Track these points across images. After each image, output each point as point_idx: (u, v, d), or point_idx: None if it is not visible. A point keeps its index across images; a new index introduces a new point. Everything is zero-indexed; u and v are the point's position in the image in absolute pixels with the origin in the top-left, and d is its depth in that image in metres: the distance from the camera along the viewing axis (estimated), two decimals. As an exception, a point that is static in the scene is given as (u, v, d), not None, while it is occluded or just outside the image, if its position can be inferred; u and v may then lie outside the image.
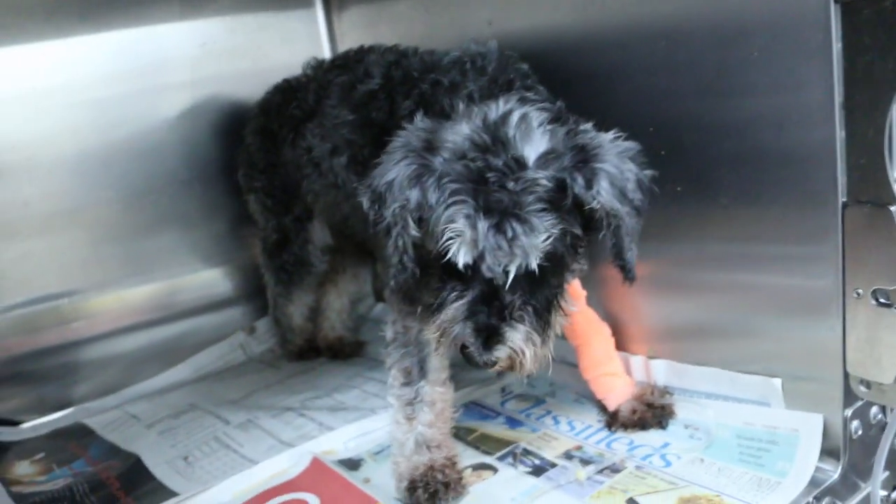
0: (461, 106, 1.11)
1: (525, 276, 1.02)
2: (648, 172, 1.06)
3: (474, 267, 1.01)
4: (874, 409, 1.14)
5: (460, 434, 1.36)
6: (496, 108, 1.05)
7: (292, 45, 1.96)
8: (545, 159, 1.01)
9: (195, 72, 1.85)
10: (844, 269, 1.06)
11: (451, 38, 1.56)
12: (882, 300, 1.03)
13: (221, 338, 1.95)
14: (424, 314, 1.11)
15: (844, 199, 1.04)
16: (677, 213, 1.25)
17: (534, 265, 1.00)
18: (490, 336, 1.02)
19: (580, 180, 1.01)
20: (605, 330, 1.36)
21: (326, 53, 1.99)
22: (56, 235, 1.73)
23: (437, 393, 1.26)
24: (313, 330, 1.90)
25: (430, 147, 1.04)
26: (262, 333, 1.98)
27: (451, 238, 1.00)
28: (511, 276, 1.00)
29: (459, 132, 1.04)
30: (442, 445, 1.25)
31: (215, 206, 1.92)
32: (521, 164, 1.00)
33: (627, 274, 1.08)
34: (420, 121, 1.09)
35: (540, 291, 1.06)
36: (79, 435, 1.63)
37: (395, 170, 1.04)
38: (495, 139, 1.01)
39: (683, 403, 1.31)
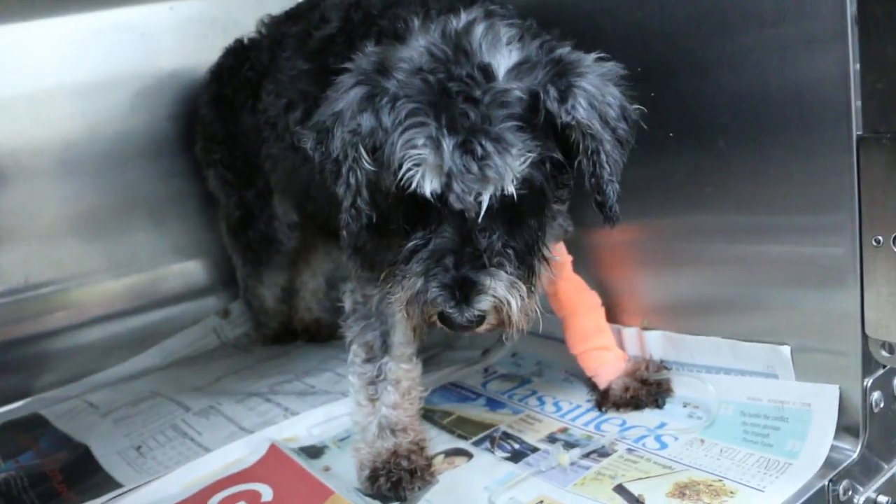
0: (415, 22, 0.96)
1: (501, 210, 0.88)
2: (636, 106, 0.93)
3: (441, 200, 0.86)
4: (898, 378, 0.99)
5: (435, 417, 1.24)
6: (456, 21, 0.91)
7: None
8: (517, 70, 0.88)
9: (162, 42, 1.73)
10: (861, 215, 0.92)
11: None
12: (906, 247, 0.89)
13: (192, 320, 1.83)
14: (386, 277, 0.96)
15: (860, 133, 0.90)
16: (670, 164, 1.11)
17: (510, 189, 0.86)
18: (467, 288, 0.88)
19: (553, 93, 0.87)
20: (595, 299, 1.22)
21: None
22: (33, 226, 1.63)
23: (403, 370, 1.12)
24: (288, 312, 1.77)
25: (383, 69, 0.90)
26: (236, 317, 1.85)
27: (411, 167, 0.85)
28: (484, 206, 0.86)
29: (415, 47, 0.90)
30: (408, 429, 1.12)
31: (181, 186, 1.79)
32: (488, 74, 0.86)
33: (608, 213, 0.94)
34: (366, 51, 0.95)
35: (519, 232, 0.92)
36: (31, 426, 1.52)
37: (343, 98, 0.91)
38: (457, 49, 0.88)
39: (681, 379, 1.17)
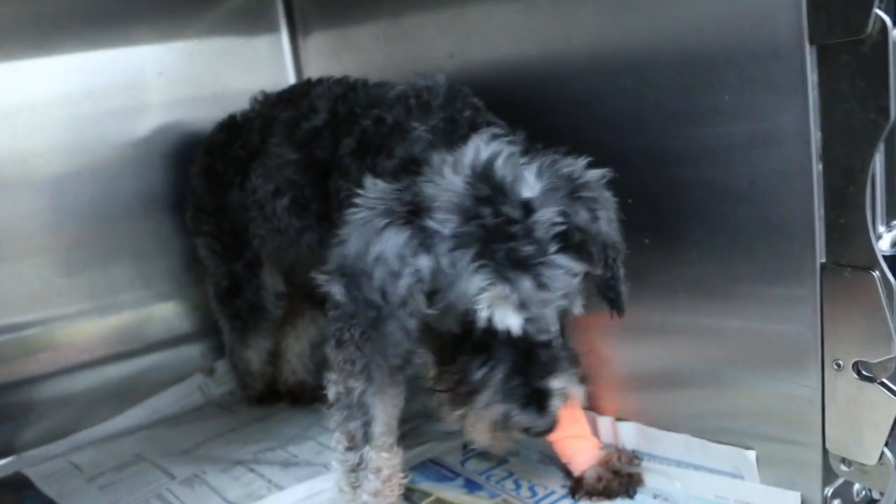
0: (435, 157, 0.99)
1: None
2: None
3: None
4: (857, 485, 1.04)
5: (413, 498, 1.27)
6: (477, 152, 0.95)
7: (256, 72, 1.87)
8: (545, 197, 0.92)
9: (152, 100, 1.78)
10: (823, 338, 0.96)
11: (412, 69, 1.48)
12: (865, 373, 0.93)
13: (179, 377, 1.85)
14: (454, 399, 1.00)
15: (823, 261, 0.94)
16: (645, 265, 1.15)
17: (578, 310, 0.95)
18: (543, 399, 0.96)
19: (584, 214, 0.94)
20: (570, 391, 1.26)
21: (291, 81, 1.91)
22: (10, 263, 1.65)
23: (383, 459, 1.16)
24: (273, 374, 1.80)
25: (418, 209, 0.92)
26: (221, 375, 1.88)
27: (488, 306, 0.90)
28: (555, 329, 0.94)
29: (451, 186, 0.93)
30: (389, 515, 1.15)
31: (174, 238, 1.82)
32: (528, 208, 0.91)
33: (620, 307, 1.04)
34: (374, 183, 0.97)
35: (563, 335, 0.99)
36: (16, 487, 1.53)
37: (380, 241, 0.92)
38: (494, 188, 0.91)
39: (652, 471, 1.21)
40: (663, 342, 1.21)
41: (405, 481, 1.21)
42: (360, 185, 0.98)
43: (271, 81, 1.73)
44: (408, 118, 1.13)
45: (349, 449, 1.16)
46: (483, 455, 1.38)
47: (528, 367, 0.95)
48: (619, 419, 1.28)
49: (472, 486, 1.30)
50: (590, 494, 1.21)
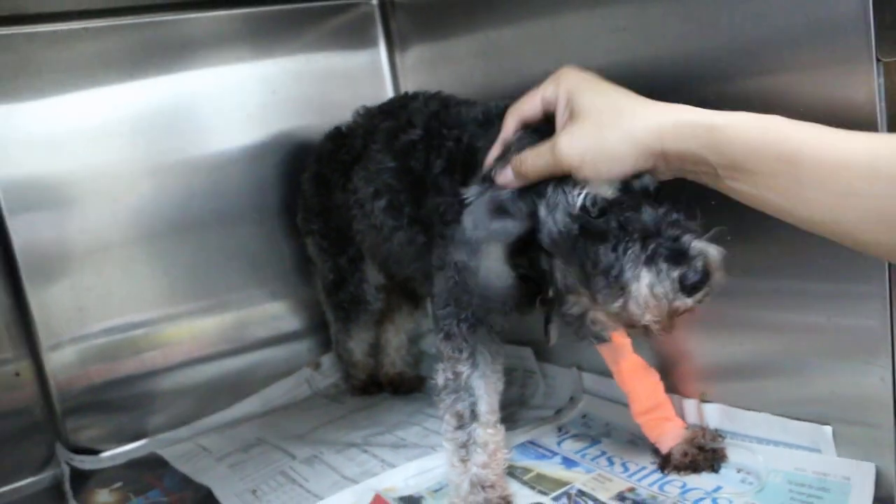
0: None
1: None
2: None
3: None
4: (926, 458, 1.14)
5: (516, 473, 1.40)
6: None
7: (356, 87, 2.03)
8: None
9: (264, 117, 1.95)
10: (893, 330, 1.07)
11: (507, 85, 1.62)
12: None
13: (288, 371, 2.03)
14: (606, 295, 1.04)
15: (891, 261, 1.04)
16: (730, 263, 1.24)
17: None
18: (683, 255, 0.99)
19: None
20: (653, 376, 1.38)
21: (389, 94, 2.06)
22: (131, 267, 1.83)
23: (489, 434, 1.31)
24: (375, 365, 1.96)
25: None
26: (326, 368, 2.05)
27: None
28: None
29: None
30: (496, 485, 1.29)
31: (285, 243, 2.00)
32: None
33: None
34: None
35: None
36: (153, 465, 1.71)
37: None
38: None
39: (735, 447, 1.32)
40: (745, 333, 1.31)
41: (509, 455, 1.35)
42: (456, 200, 1.17)
43: (370, 95, 1.91)
44: (472, 139, 1.28)
45: (458, 427, 1.31)
46: (577, 436, 1.51)
47: (657, 234, 1.00)
48: (703, 401, 1.38)
49: (569, 462, 1.42)
50: (677, 469, 1.32)
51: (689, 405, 1.40)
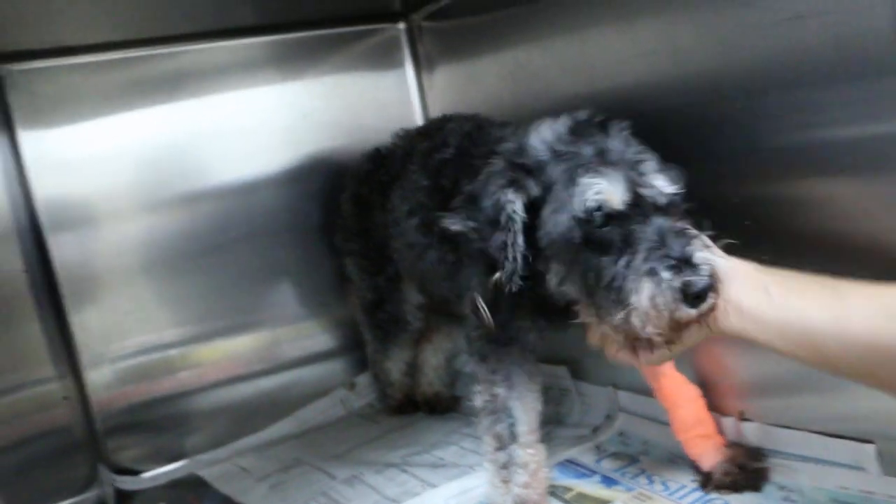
0: None
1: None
2: None
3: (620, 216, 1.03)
4: (972, 476, 1.14)
5: (557, 493, 1.40)
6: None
7: (385, 109, 2.07)
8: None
9: (295, 140, 1.99)
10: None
11: (537, 106, 1.63)
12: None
13: (322, 390, 2.04)
14: (607, 306, 1.04)
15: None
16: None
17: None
18: (688, 264, 0.99)
19: None
20: (694, 392, 1.38)
21: (418, 116, 2.10)
22: (168, 288, 1.87)
23: (529, 455, 1.31)
24: (411, 385, 1.97)
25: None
26: (361, 388, 2.06)
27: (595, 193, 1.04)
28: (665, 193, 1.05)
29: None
30: (539, 505, 1.30)
31: (318, 264, 2.03)
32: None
33: None
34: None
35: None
36: (194, 486, 1.74)
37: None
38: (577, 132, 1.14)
39: (777, 465, 1.32)
40: None
41: (551, 475, 1.36)
42: None
43: (398, 116, 1.99)
44: None
45: (498, 449, 1.32)
46: (616, 455, 1.52)
47: (661, 246, 1.00)
48: (742, 419, 1.39)
49: (608, 481, 1.43)
50: (718, 488, 1.31)
51: (728, 423, 1.40)
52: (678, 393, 1.37)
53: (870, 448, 1.20)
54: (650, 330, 0.99)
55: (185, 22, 1.79)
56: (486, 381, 1.33)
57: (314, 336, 2.05)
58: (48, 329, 1.74)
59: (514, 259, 1.10)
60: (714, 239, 1.06)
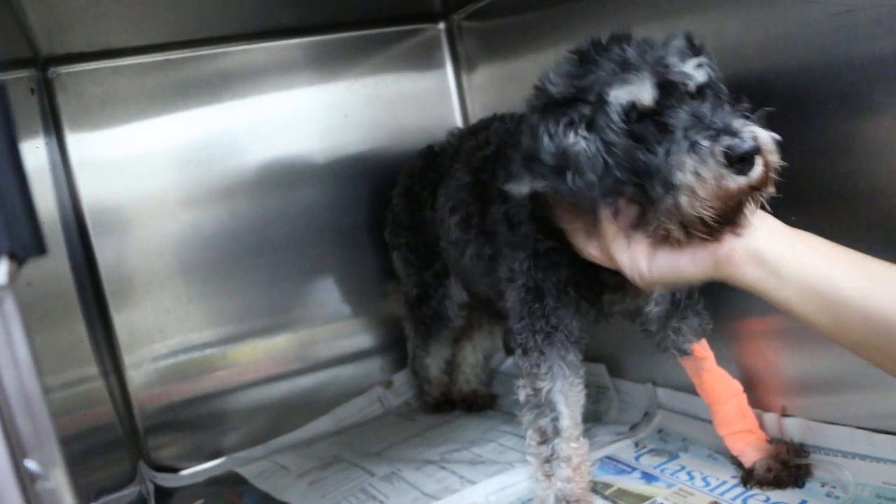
0: None
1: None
2: None
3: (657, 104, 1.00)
4: None
5: (597, 489, 1.41)
6: None
7: (425, 108, 2.10)
8: None
9: (336, 140, 2.01)
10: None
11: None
12: None
13: (359, 389, 2.06)
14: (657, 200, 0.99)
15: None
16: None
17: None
18: (730, 130, 0.94)
19: None
20: (736, 386, 1.38)
21: (457, 116, 2.12)
22: (207, 288, 1.90)
23: (573, 448, 1.31)
24: (448, 383, 1.99)
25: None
26: (398, 387, 2.08)
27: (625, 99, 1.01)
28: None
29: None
30: (581, 500, 1.30)
31: (358, 263, 2.06)
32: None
33: None
34: None
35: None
36: (233, 483, 1.76)
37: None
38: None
39: (820, 461, 1.31)
40: (827, 345, 1.25)
41: (593, 469, 1.37)
42: (520, 209, 1.25)
43: (438, 116, 2.02)
44: None
45: (542, 443, 1.32)
46: (655, 451, 1.52)
47: (698, 123, 0.96)
48: (784, 415, 1.38)
49: (648, 477, 1.43)
50: (760, 484, 1.31)
51: (770, 419, 1.40)
52: (720, 388, 1.37)
53: (916, 443, 1.20)
54: (700, 209, 0.94)
55: (228, 24, 1.83)
56: (529, 374, 1.32)
57: (351, 335, 2.07)
58: (93, 329, 1.77)
59: (593, 195, 1.05)
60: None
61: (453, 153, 1.66)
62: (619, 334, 1.50)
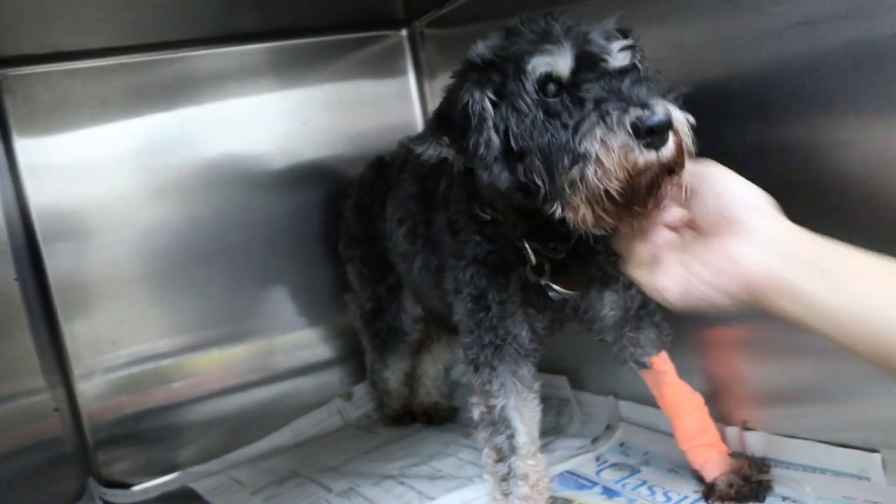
0: None
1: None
2: None
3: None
4: (979, 485, 1.12)
5: (558, 504, 1.39)
6: None
7: (386, 115, 2.06)
8: None
9: (294, 147, 1.98)
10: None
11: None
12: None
13: (319, 401, 2.02)
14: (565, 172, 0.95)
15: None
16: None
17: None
18: (643, 105, 0.90)
19: None
20: (697, 400, 1.36)
21: (419, 124, 2.09)
22: (162, 297, 1.85)
23: (530, 466, 1.29)
24: (409, 395, 1.95)
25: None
26: (358, 399, 2.04)
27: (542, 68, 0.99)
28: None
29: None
30: (540, 518, 1.28)
31: (317, 273, 2.02)
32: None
33: None
34: None
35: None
36: (186, 499, 1.70)
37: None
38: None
39: (780, 476, 1.30)
40: (789, 358, 1.29)
41: (552, 486, 1.34)
42: (459, 214, 1.23)
43: (400, 123, 2.00)
44: None
45: (498, 461, 1.29)
46: (616, 466, 1.50)
47: (611, 95, 0.93)
48: (745, 429, 1.37)
49: (609, 492, 1.40)
50: (721, 499, 1.29)
51: (732, 433, 1.38)
52: (681, 401, 1.35)
53: (875, 457, 1.18)
54: (605, 179, 0.91)
55: (186, 28, 1.79)
56: (481, 392, 1.30)
57: (310, 346, 2.03)
58: (39, 339, 1.72)
59: (494, 159, 1.03)
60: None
61: (401, 163, 1.62)
62: (580, 346, 1.48)
